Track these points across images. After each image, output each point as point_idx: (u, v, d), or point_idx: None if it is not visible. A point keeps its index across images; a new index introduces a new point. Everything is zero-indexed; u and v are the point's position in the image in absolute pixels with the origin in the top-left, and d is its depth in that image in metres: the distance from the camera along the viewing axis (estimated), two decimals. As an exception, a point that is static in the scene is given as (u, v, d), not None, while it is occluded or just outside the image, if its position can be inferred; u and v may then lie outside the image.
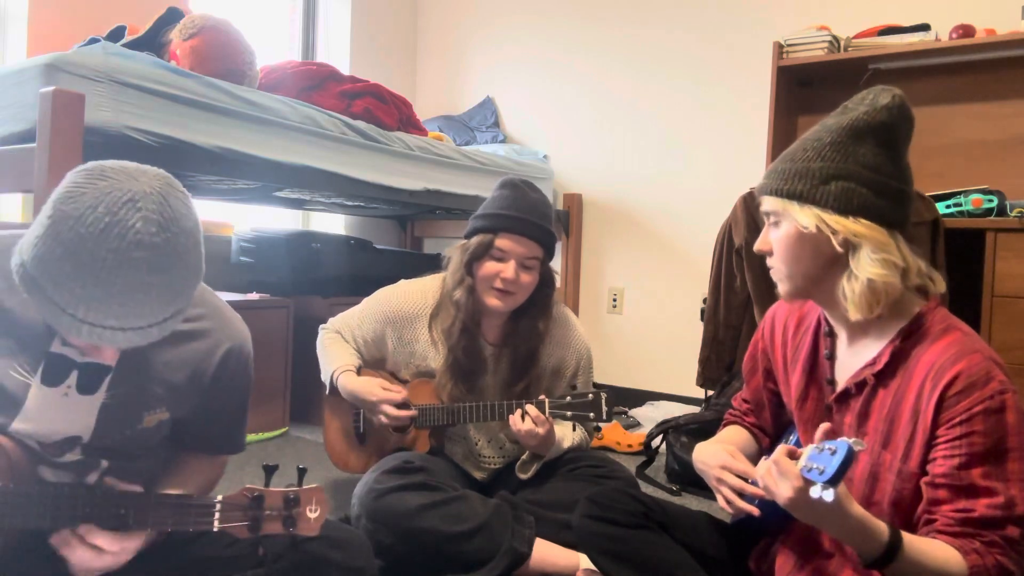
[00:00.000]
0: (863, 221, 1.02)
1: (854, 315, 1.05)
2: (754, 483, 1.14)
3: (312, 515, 1.05)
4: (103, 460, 1.08)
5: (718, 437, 1.35)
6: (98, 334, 0.88)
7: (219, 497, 1.02)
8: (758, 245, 1.15)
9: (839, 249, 1.03)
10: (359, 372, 1.82)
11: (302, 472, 1.06)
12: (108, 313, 0.87)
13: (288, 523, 1.03)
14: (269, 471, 1.04)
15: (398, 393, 1.71)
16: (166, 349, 1.09)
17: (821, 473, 0.88)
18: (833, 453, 0.88)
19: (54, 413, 1.02)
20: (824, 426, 0.97)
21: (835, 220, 1.03)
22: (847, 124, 1.05)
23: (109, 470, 1.08)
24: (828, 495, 0.87)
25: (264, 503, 1.02)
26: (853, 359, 1.13)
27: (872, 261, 1.01)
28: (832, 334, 1.17)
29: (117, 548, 0.98)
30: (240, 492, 1.02)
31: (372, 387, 1.72)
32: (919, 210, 2.35)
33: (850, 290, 1.04)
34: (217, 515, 1.01)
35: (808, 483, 0.91)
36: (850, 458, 0.87)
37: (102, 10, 2.65)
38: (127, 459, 1.10)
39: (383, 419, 1.71)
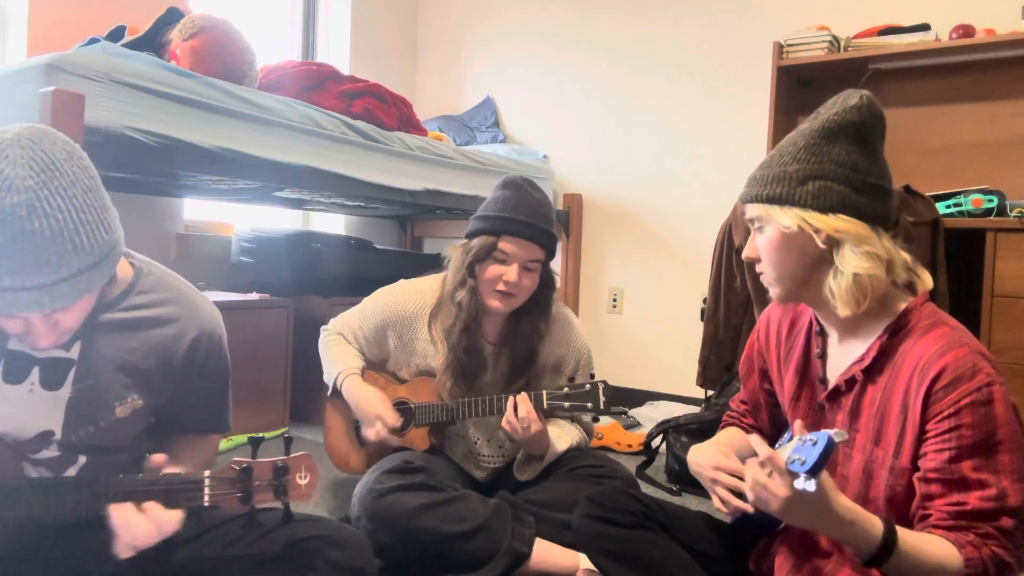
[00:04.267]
0: (843, 217, 1.03)
1: (842, 311, 1.05)
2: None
3: (302, 481, 1.05)
4: (80, 456, 1.07)
5: (714, 439, 1.36)
6: (6, 301, 0.85)
7: (207, 472, 1.01)
8: (746, 253, 1.16)
9: (822, 246, 1.05)
10: (363, 373, 1.83)
11: (288, 441, 1.06)
12: (2, 271, 0.84)
13: (279, 492, 1.03)
14: (255, 443, 1.04)
15: (394, 420, 1.72)
16: (131, 336, 1.09)
17: (803, 464, 0.89)
18: (814, 444, 0.89)
19: (22, 410, 1.02)
20: (799, 422, 0.98)
21: (815, 218, 1.04)
22: (819, 126, 1.07)
23: (87, 465, 1.08)
24: (810, 485, 0.87)
25: (253, 474, 1.02)
26: (844, 357, 1.13)
27: (855, 255, 1.02)
28: (823, 333, 1.18)
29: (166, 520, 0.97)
30: (227, 466, 1.02)
31: (375, 402, 1.74)
32: (919, 210, 2.36)
33: (836, 286, 1.04)
34: (207, 490, 1.00)
35: (792, 475, 0.91)
36: (830, 447, 0.87)
37: (102, 10, 2.65)
38: (106, 453, 1.09)
39: (370, 435, 1.73)
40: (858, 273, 1.02)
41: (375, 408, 1.73)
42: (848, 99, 1.08)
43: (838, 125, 1.06)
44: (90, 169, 0.93)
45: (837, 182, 1.04)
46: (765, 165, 1.11)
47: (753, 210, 1.12)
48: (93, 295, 0.99)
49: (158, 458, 1.01)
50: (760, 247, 1.12)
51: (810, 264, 1.08)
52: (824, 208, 1.04)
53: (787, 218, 1.06)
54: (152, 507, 0.96)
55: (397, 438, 1.73)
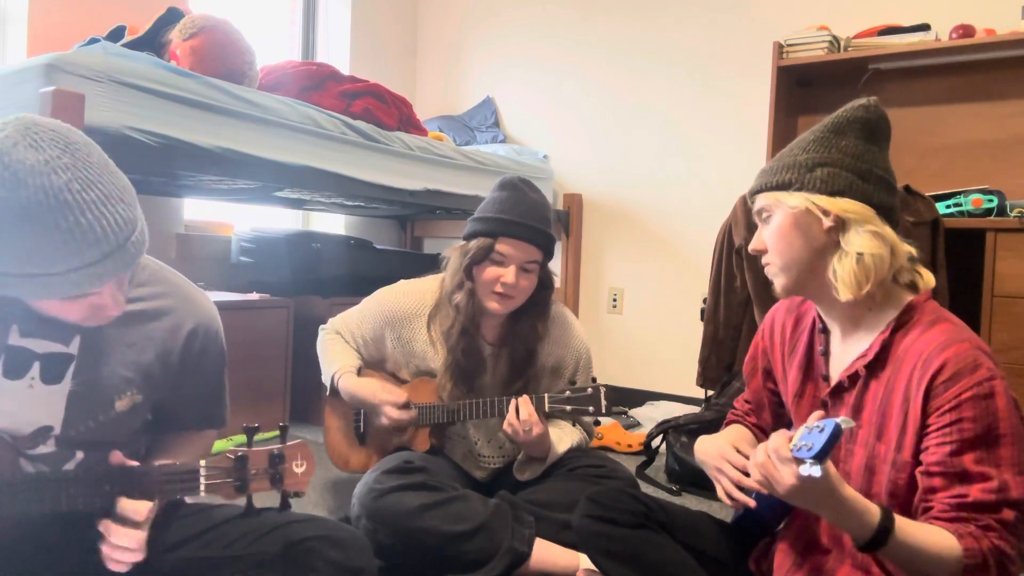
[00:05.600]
0: (850, 200, 1.06)
1: (843, 294, 1.06)
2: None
3: (298, 470, 1.05)
4: (78, 451, 1.07)
5: (721, 433, 1.36)
6: (94, 273, 0.88)
7: (202, 462, 1.02)
8: (752, 245, 1.17)
9: (830, 224, 1.07)
10: (360, 373, 1.83)
11: (284, 429, 1.07)
12: (85, 247, 0.86)
13: (275, 480, 1.04)
14: (250, 432, 1.04)
15: (399, 395, 1.71)
16: (130, 330, 1.09)
17: (809, 450, 0.90)
18: (821, 431, 0.90)
19: (21, 406, 1.02)
20: (817, 413, 0.98)
21: (824, 200, 1.07)
22: (828, 123, 1.12)
23: (85, 461, 1.08)
24: (815, 471, 0.88)
25: (249, 463, 1.02)
26: (846, 353, 1.14)
27: (860, 235, 1.05)
28: (826, 331, 1.19)
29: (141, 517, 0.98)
30: (223, 455, 1.02)
31: (373, 389, 1.73)
32: (919, 210, 2.36)
33: (840, 268, 1.06)
34: (203, 479, 1.01)
35: (798, 461, 0.92)
36: (837, 434, 0.88)
37: (102, 10, 2.65)
38: (104, 448, 1.08)
39: (384, 421, 1.72)
40: (862, 253, 1.04)
41: (377, 395, 1.72)
42: (856, 101, 1.13)
43: (846, 120, 1.11)
44: (87, 137, 0.95)
45: (844, 169, 1.08)
46: (775, 159, 1.15)
47: (761, 200, 1.14)
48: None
49: (117, 456, 1.02)
50: (767, 237, 1.14)
51: (816, 250, 1.09)
52: (832, 191, 1.07)
53: (795, 199, 1.09)
54: (123, 504, 0.97)
55: (413, 412, 1.72)
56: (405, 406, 1.71)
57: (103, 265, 0.88)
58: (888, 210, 1.08)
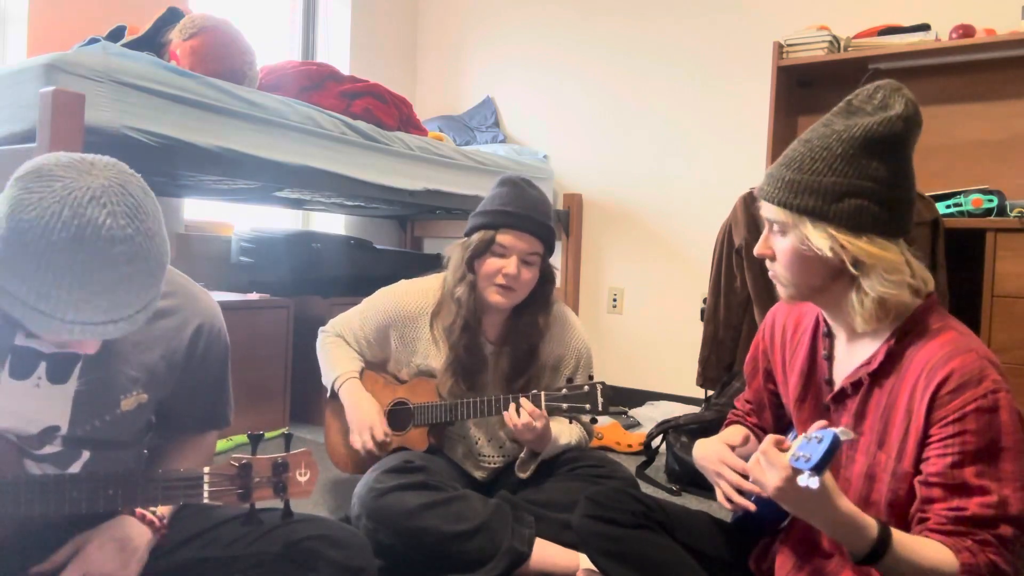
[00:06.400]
0: (877, 240, 1.02)
1: (861, 327, 1.06)
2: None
3: (302, 478, 1.05)
4: (84, 450, 1.07)
5: (720, 435, 1.36)
6: (90, 331, 0.89)
7: (206, 469, 1.02)
8: (759, 249, 1.14)
9: (853, 271, 1.03)
10: (361, 375, 1.83)
11: (288, 437, 1.07)
12: (96, 310, 0.87)
13: (279, 488, 1.04)
14: (255, 439, 1.04)
15: (384, 430, 1.72)
16: (136, 329, 1.09)
17: (807, 461, 0.89)
18: (820, 441, 0.89)
19: (27, 405, 1.02)
20: (820, 423, 0.97)
21: (848, 240, 1.02)
22: (860, 135, 1.02)
23: (91, 460, 1.08)
24: (813, 482, 0.87)
25: (252, 471, 1.02)
26: (850, 359, 1.13)
27: (885, 282, 1.02)
28: (830, 335, 1.18)
29: None
30: (227, 462, 1.02)
31: (369, 412, 1.74)
32: (919, 210, 2.35)
33: (859, 304, 1.04)
34: (206, 487, 1.01)
35: (796, 472, 0.91)
36: (835, 445, 0.87)
37: (102, 10, 2.65)
38: (110, 448, 1.09)
39: (355, 444, 1.73)
40: (885, 298, 1.02)
41: (369, 418, 1.73)
42: (892, 104, 1.04)
43: (882, 137, 1.02)
44: (156, 200, 0.96)
45: (873, 201, 1.02)
46: (795, 167, 1.06)
47: (777, 213, 1.07)
48: None
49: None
50: (778, 250, 1.10)
51: (829, 276, 1.07)
52: (858, 229, 1.02)
53: (819, 238, 1.02)
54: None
55: (380, 453, 1.73)
56: (384, 444, 1.72)
57: (95, 329, 0.89)
58: (907, 230, 1.05)
